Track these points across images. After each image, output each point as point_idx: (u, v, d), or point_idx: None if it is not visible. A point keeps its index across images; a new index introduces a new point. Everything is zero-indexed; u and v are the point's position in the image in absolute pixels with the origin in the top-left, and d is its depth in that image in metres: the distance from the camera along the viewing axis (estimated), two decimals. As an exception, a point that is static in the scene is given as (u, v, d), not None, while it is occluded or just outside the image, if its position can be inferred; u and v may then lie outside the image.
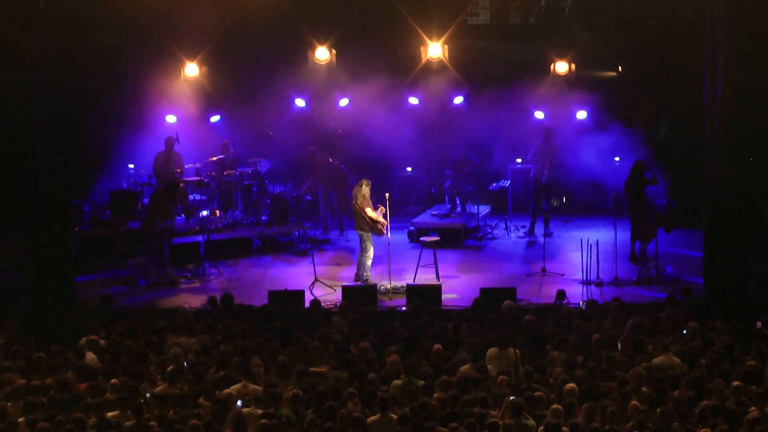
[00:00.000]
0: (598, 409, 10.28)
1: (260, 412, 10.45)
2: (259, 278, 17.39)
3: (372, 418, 10.25)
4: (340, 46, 20.40)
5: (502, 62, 21.18)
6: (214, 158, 19.77)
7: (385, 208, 16.32)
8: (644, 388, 10.79)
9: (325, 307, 14.92)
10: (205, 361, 12.05)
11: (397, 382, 11.19)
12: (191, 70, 20.21)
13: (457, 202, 20.38)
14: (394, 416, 10.26)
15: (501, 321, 13.34)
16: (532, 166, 19.90)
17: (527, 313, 13.80)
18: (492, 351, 11.94)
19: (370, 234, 16.38)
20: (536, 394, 10.59)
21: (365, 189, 16.42)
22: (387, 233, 16.33)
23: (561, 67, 20.51)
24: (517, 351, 11.88)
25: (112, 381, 11.14)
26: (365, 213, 16.24)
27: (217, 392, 10.99)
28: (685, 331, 12.73)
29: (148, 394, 11.00)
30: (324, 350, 12.29)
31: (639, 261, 17.15)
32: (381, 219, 16.27)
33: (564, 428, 9.90)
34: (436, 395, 10.78)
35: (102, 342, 12.77)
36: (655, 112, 21.19)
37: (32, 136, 18.08)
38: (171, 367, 11.44)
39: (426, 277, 16.65)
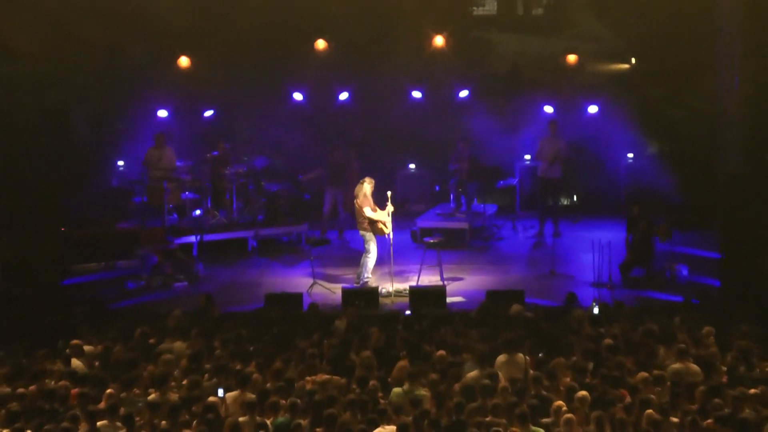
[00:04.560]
0: (608, 417, 10.25)
1: (257, 420, 10.43)
2: (256, 280, 17.36)
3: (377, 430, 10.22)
4: (341, 37, 20.37)
5: (509, 54, 21.14)
6: (208, 155, 19.74)
7: (386, 207, 16.22)
8: (653, 396, 10.75)
9: (324, 310, 14.89)
10: (199, 368, 12.02)
11: (397, 390, 11.16)
12: (184, 63, 20.17)
13: (462, 200, 20.35)
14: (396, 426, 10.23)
15: (509, 325, 13.29)
16: (540, 163, 19.87)
17: (536, 317, 13.76)
18: (501, 357, 11.90)
19: (372, 234, 16.35)
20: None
21: (367, 187, 16.37)
22: (390, 233, 16.26)
23: (571, 59, 20.46)
24: (526, 357, 11.84)
25: (108, 390, 11.10)
26: (363, 212, 16.20)
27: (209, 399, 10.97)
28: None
29: (140, 403, 10.97)
30: (322, 356, 12.25)
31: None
32: (381, 218, 16.20)
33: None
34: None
35: (90, 348, 12.74)
36: (669, 106, 21.17)
37: (20, 132, 18.05)
38: (163, 374, 11.40)
39: (430, 279, 16.63)
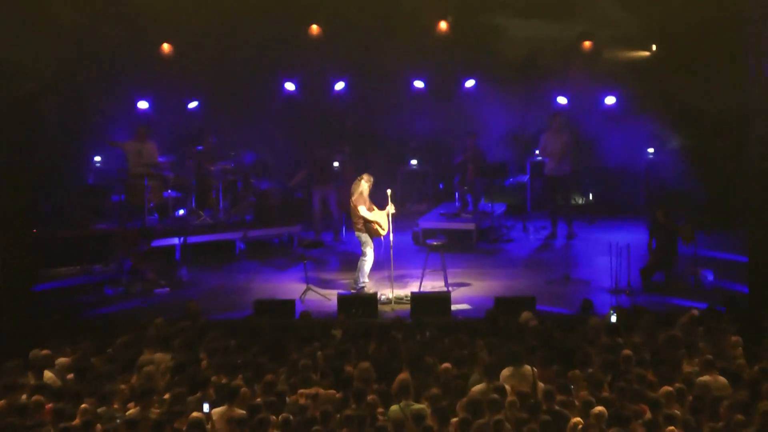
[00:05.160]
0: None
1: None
2: (244, 286, 17.37)
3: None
4: (337, 22, 20.37)
5: (519, 41, 21.14)
6: (193, 150, 19.73)
7: (386, 207, 16.20)
8: (677, 411, 10.75)
9: (319, 318, 14.90)
10: (182, 381, 12.01)
11: (395, 407, 11.16)
12: (167, 50, 20.17)
13: (468, 199, 20.35)
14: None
15: (518, 335, 13.31)
16: (547, 160, 19.85)
17: (548, 326, 13.77)
18: (506, 370, 11.90)
19: (368, 236, 16.34)
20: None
21: (364, 185, 16.34)
22: (390, 235, 16.25)
23: (586, 46, 20.47)
24: (534, 369, 11.85)
25: (82, 406, 11.10)
26: (357, 211, 16.18)
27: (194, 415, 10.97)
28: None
29: (118, 419, 10.97)
30: (316, 369, 12.26)
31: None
32: (376, 218, 16.18)
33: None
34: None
35: (64, 359, 12.74)
36: (693, 97, 21.16)
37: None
38: (144, 388, 11.40)
39: (433, 285, 16.64)
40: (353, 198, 16.30)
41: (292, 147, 21.16)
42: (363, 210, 16.18)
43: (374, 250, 16.39)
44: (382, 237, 16.26)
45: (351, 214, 16.49)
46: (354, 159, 20.21)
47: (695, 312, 13.76)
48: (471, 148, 20.21)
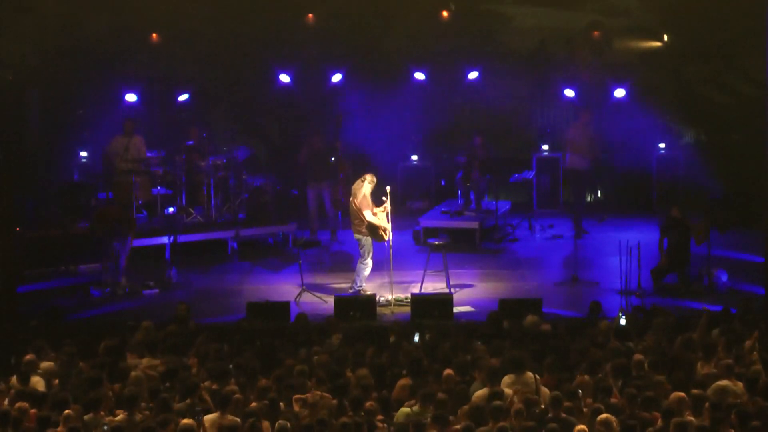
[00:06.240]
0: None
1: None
2: (236, 287, 17.40)
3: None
4: (333, 10, 20.39)
5: (526, 30, 21.17)
6: (183, 145, 19.75)
7: (388, 204, 16.21)
8: (692, 419, 10.78)
9: (315, 321, 14.94)
10: (172, 386, 12.06)
11: (404, 410, 11.20)
12: (155, 40, 20.19)
13: (472, 197, 20.37)
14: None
15: (524, 339, 13.35)
16: (568, 154, 19.83)
17: (555, 330, 13.80)
18: (507, 378, 11.92)
19: (369, 239, 16.31)
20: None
21: (367, 187, 16.17)
22: (390, 236, 16.27)
23: (596, 36, 20.50)
24: (537, 376, 11.89)
25: (66, 412, 11.14)
26: (362, 215, 16.15)
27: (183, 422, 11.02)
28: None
29: (105, 426, 11.01)
30: (312, 374, 12.30)
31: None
32: (382, 223, 16.15)
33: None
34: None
35: (48, 364, 12.78)
36: (708, 89, 21.20)
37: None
38: (132, 394, 11.45)
39: (435, 287, 16.68)
40: (357, 201, 16.18)
41: (287, 141, 21.18)
42: (369, 215, 16.07)
43: (372, 253, 16.42)
44: (386, 242, 16.27)
45: (351, 215, 16.45)
46: (348, 155, 20.20)
47: (705, 310, 13.84)
48: (479, 147, 20.21)
